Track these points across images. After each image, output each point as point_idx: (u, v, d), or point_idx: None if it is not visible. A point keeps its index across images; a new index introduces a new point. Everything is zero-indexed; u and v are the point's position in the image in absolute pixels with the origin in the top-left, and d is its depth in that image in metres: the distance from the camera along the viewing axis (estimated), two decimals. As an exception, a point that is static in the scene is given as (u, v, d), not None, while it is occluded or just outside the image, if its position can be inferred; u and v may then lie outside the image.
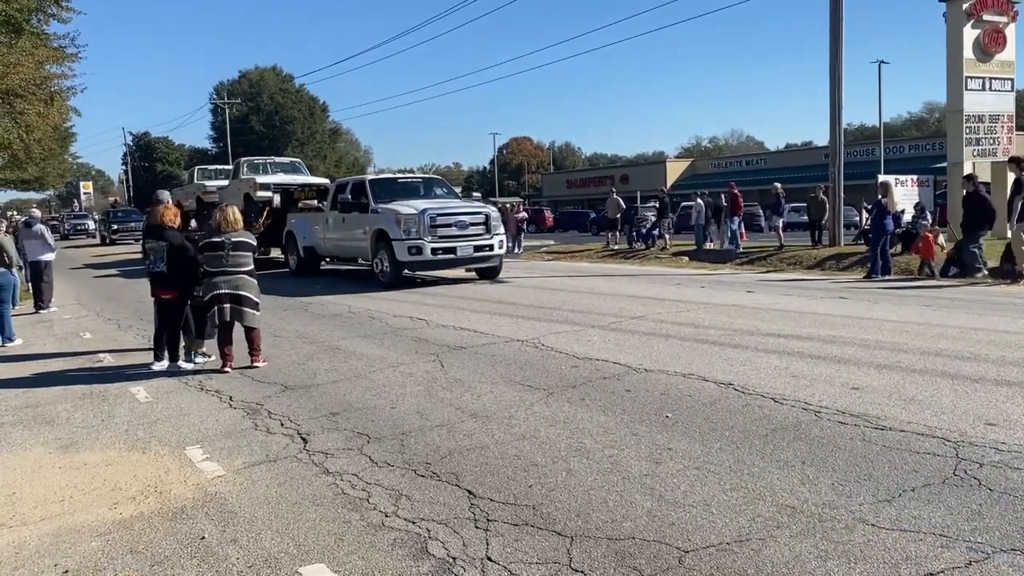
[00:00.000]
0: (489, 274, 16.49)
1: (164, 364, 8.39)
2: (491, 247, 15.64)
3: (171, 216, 8.57)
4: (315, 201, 19.85)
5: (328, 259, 18.82)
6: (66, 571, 3.77)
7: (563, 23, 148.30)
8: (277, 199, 19.99)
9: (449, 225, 15.09)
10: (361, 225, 16.10)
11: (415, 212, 14.84)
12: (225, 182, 24.36)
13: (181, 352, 8.55)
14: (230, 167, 27.22)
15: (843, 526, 3.73)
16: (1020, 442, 4.74)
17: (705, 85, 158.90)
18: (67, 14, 23.08)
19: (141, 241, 8.99)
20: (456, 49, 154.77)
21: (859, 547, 3.51)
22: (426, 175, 20.38)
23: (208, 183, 24.87)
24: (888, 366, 6.93)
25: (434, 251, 14.81)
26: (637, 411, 5.86)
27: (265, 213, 20.49)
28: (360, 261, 17.75)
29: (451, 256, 15.14)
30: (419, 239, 14.71)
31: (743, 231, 23.12)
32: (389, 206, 15.37)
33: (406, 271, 15.46)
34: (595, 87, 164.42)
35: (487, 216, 15.65)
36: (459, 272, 17.35)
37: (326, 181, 23.24)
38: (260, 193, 20.36)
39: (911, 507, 3.90)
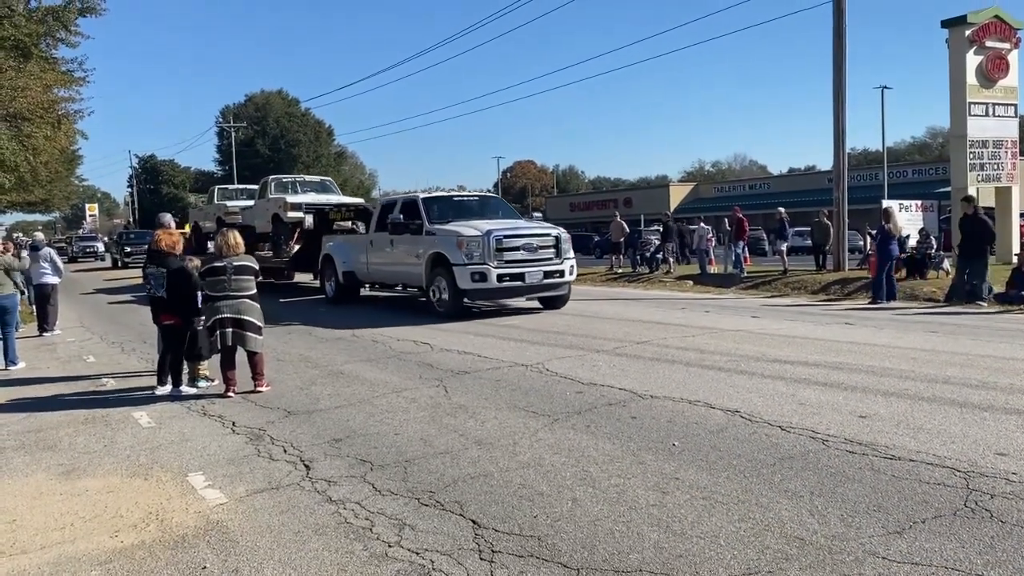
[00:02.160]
0: (556, 304, 14.74)
1: (167, 389, 8.36)
2: (562, 273, 13.99)
3: (169, 241, 8.55)
4: (349, 223, 18.77)
5: (368, 285, 17.30)
6: (65, 602, 3.73)
7: (567, 48, 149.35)
8: (309, 220, 18.97)
9: (516, 248, 13.52)
10: (414, 249, 14.47)
11: (479, 234, 13.31)
12: (247, 202, 23.55)
13: (184, 377, 8.51)
14: (252, 187, 26.20)
15: (853, 559, 3.68)
16: (1031, 473, 4.68)
17: (708, 109, 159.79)
18: (75, 39, 23.20)
19: (142, 266, 8.96)
20: (461, 74, 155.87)
21: (870, 581, 3.46)
22: (482, 193, 18.05)
23: (229, 203, 24.16)
24: (896, 394, 6.88)
25: (500, 278, 13.24)
26: (643, 439, 5.81)
27: (296, 235, 19.63)
28: (402, 288, 16.21)
29: (519, 283, 13.50)
30: (483, 264, 13.16)
31: (747, 255, 23.10)
32: (447, 227, 13.94)
33: (466, 300, 13.80)
34: (599, 111, 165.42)
35: (557, 238, 14.05)
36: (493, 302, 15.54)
37: (361, 201, 22.03)
38: (291, 214, 19.36)
39: (922, 539, 3.85)
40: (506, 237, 13.46)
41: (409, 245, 14.67)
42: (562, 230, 14.55)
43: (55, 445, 6.58)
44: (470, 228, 13.63)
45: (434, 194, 16.11)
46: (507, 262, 13.35)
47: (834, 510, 4.27)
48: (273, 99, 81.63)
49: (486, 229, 13.44)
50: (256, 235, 21.59)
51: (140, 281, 8.50)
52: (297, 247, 19.39)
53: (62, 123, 26.05)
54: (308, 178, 24.36)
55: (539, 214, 17.20)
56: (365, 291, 17.62)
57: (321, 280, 18.27)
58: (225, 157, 74.21)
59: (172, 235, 8.70)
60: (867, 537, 3.91)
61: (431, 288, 14.05)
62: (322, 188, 22.62)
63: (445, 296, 13.68)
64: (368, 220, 17.65)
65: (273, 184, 21.89)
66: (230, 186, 30.54)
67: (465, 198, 16.34)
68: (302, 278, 22.06)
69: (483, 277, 13.17)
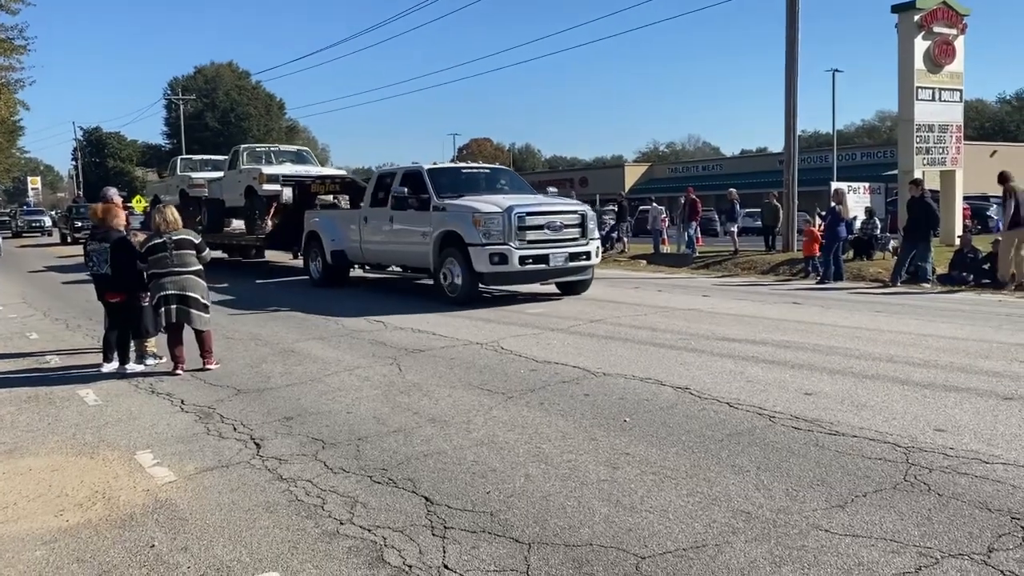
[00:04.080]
0: (577, 289, 13.39)
1: (114, 366, 8.20)
2: (588, 255, 12.62)
3: (109, 215, 8.34)
4: (331, 197, 17.15)
5: (357, 266, 15.72)
6: (8, 582, 3.66)
7: (523, 26, 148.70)
8: (288, 193, 17.57)
9: (540, 227, 12.11)
10: (419, 226, 12.96)
11: (499, 210, 11.84)
12: (213, 174, 21.79)
13: (132, 355, 8.36)
14: (218, 157, 24.65)
15: (797, 532, 3.78)
16: (968, 447, 4.85)
17: (663, 90, 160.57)
18: (15, 5, 22.57)
19: (84, 243, 8.72)
20: (416, 49, 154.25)
21: (813, 553, 3.55)
22: (492, 165, 16.08)
23: (194, 175, 22.40)
24: (840, 371, 7.05)
25: (522, 260, 11.81)
26: (596, 415, 5.88)
27: (272, 210, 18.10)
28: (403, 270, 14.66)
29: (542, 266, 12.12)
30: (503, 244, 11.69)
31: (699, 236, 23.36)
32: (459, 202, 12.43)
33: (482, 285, 12.47)
34: (555, 90, 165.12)
35: (583, 216, 12.65)
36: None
37: (345, 172, 20.40)
38: (267, 186, 17.81)
39: (863, 513, 3.96)
40: (529, 214, 12.05)
41: (413, 222, 13.15)
42: (588, 207, 13.22)
43: (-4, 423, 6.42)
44: (487, 203, 12.17)
45: (440, 164, 14.54)
46: (530, 242, 11.96)
47: (779, 484, 4.37)
48: (223, 71, 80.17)
49: (507, 204, 11.98)
50: (225, 210, 20.43)
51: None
52: (273, 223, 18.07)
53: (1, 92, 25.24)
54: (284, 147, 22.45)
55: (554, 189, 15.10)
56: (354, 271, 16.21)
57: (305, 260, 16.54)
58: (173, 130, 72.76)
59: (110, 209, 8.48)
60: (811, 510, 4.01)
61: (442, 271, 12.55)
62: (299, 158, 20.92)
63: (458, 280, 12.25)
64: (353, 194, 16.65)
65: (245, 154, 20.12)
66: (194, 156, 27.72)
67: (475, 170, 14.93)
68: (274, 257, 21.18)
69: (503, 259, 11.72)
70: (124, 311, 8.27)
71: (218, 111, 76.10)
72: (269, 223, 18.17)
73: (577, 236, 12.51)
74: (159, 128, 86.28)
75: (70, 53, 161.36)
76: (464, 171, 14.55)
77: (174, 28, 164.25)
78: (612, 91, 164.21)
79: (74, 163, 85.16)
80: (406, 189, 13.16)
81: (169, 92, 74.98)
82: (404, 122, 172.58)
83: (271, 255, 21.43)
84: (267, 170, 18.33)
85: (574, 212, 12.72)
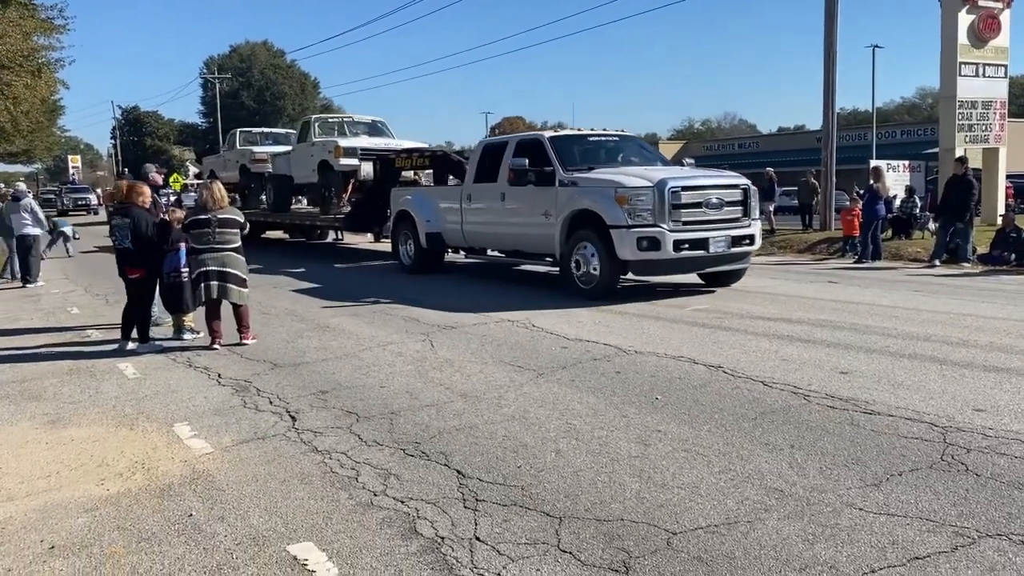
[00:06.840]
0: (729, 280, 11.18)
1: (133, 345, 8.27)
2: (751, 239, 10.68)
3: (135, 193, 8.44)
4: (412, 173, 15.71)
5: (453, 250, 13.81)
6: (52, 547, 3.75)
7: (557, 2, 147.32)
8: (367, 168, 16.08)
9: (697, 205, 10.10)
10: (541, 204, 11.02)
11: (648, 185, 9.88)
12: (275, 148, 20.36)
13: (169, 329, 8.52)
14: (279, 130, 23.15)
15: (830, 510, 3.75)
16: (1007, 428, 4.77)
17: (698, 66, 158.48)
18: (55, -16, 22.77)
19: (108, 219, 8.84)
20: (448, 27, 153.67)
21: (846, 531, 3.53)
22: (617, 131, 12.96)
23: (256, 149, 20.73)
24: (877, 351, 6.96)
25: (677, 245, 9.85)
26: (627, 393, 5.87)
27: (350, 187, 16.61)
28: (492, 254, 12.72)
29: (700, 253, 10.07)
30: (655, 226, 9.76)
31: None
32: (593, 175, 10.58)
33: (621, 275, 10.51)
34: (588, 67, 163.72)
35: (745, 191, 10.62)
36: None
37: (425, 145, 18.01)
38: (344, 160, 16.18)
39: (898, 492, 3.92)
40: (684, 189, 10.04)
41: (533, 200, 11.25)
42: (748, 181, 10.99)
43: (40, 395, 6.58)
44: (631, 176, 10.27)
45: (562, 132, 12.51)
46: (684, 224, 9.98)
47: (813, 463, 4.33)
48: (258, 50, 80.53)
49: (657, 178, 10.04)
50: (294, 187, 19.16)
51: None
52: (349, 202, 16.74)
53: (42, 72, 25.62)
54: (357, 118, 19.97)
55: (691, 160, 13.02)
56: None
57: (394, 244, 14.76)
58: (209, 109, 73.38)
59: (134, 187, 8.50)
60: (845, 489, 3.98)
61: (573, 258, 10.55)
62: (374, 130, 18.78)
63: (594, 269, 10.27)
64: (441, 169, 15.12)
65: (317, 125, 18.31)
66: (253, 129, 24.96)
67: (602, 138, 12.41)
68: (350, 239, 20.65)
69: (655, 244, 9.77)
70: (141, 287, 8.37)
71: (253, 90, 76.55)
72: (345, 202, 16.94)
73: (739, 216, 10.52)
74: (195, 107, 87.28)
75: (108, 32, 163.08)
76: (591, 139, 12.19)
77: (209, 6, 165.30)
78: (646, 67, 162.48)
79: (113, 142, 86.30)
80: (526, 161, 11.17)
81: (205, 71, 75.63)
82: (436, 101, 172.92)
83: (346, 237, 20.59)
84: (344, 143, 16.57)
85: (735, 186, 10.66)
